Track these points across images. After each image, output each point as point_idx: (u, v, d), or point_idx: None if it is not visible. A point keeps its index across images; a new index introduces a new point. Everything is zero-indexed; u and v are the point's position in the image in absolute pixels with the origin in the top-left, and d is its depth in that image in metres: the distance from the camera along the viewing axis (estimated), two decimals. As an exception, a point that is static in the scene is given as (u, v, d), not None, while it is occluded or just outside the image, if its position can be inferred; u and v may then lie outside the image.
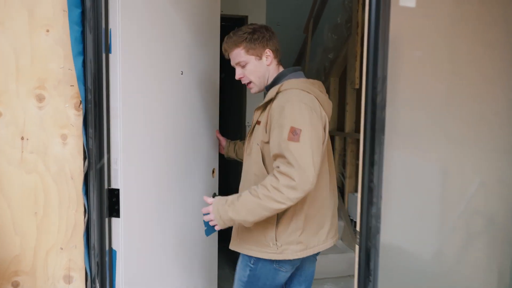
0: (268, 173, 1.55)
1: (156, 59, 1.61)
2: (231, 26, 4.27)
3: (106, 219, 1.36)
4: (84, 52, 1.20)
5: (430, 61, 1.61)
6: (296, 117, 1.47)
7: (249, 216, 1.42)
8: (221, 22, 3.91)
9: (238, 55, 1.62)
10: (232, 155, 1.99)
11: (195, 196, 1.92)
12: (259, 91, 1.69)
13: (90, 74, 1.20)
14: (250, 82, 1.66)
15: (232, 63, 1.65)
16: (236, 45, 1.61)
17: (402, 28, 1.58)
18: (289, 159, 1.42)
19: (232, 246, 1.66)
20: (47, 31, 1.19)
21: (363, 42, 3.13)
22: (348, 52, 3.83)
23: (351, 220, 3.84)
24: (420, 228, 1.77)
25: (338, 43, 3.99)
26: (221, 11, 3.28)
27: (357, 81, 3.49)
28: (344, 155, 4.10)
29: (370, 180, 1.49)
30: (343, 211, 3.87)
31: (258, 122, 1.60)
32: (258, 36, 1.63)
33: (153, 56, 1.59)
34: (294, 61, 6.05)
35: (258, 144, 1.58)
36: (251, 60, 1.62)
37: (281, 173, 1.41)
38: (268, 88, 1.66)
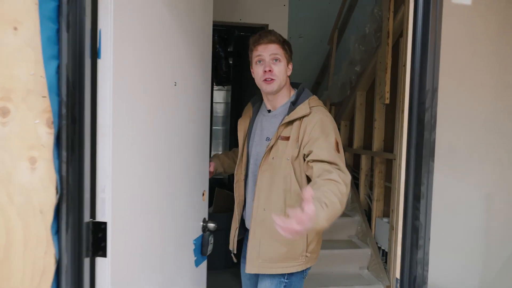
0: (300, 187, 1.61)
1: (148, 68, 1.35)
2: (245, 35, 4.09)
3: (87, 260, 1.10)
4: (59, 56, 0.96)
5: (473, 72, 1.37)
6: (335, 131, 1.62)
7: (331, 221, 1.38)
8: (239, 31, 3.68)
9: (278, 49, 1.67)
10: (220, 170, 1.97)
11: (185, 224, 1.65)
12: (273, 92, 1.70)
13: (66, 83, 0.96)
14: (273, 80, 1.67)
15: (267, 53, 1.66)
16: (280, 40, 1.68)
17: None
18: (340, 166, 1.53)
19: (253, 269, 1.69)
20: (15, 28, 0.96)
21: (399, 52, 2.80)
22: (377, 64, 3.53)
23: (379, 247, 3.49)
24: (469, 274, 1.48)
25: (365, 54, 3.70)
26: (239, 20, 3.07)
27: (387, 95, 3.18)
28: (371, 176, 3.78)
29: (415, 217, 1.19)
30: (370, 238, 3.53)
31: (285, 138, 1.63)
32: (289, 47, 1.73)
33: (146, 64, 1.34)
34: (317, 75, 5.79)
35: (288, 159, 1.62)
36: (284, 61, 1.68)
37: (339, 180, 1.46)
38: (293, 103, 1.68)
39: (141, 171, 1.32)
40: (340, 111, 4.47)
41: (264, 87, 1.69)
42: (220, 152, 2.28)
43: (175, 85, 1.53)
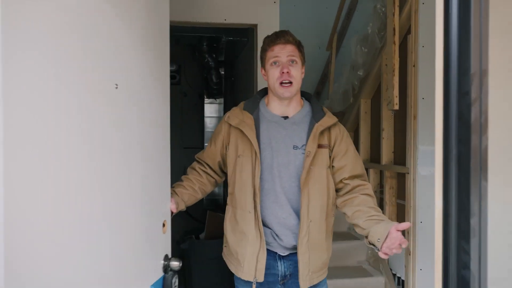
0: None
1: (74, 60, 0.95)
2: (233, 40, 3.72)
3: None
4: None
5: None
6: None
7: None
8: (226, 35, 3.31)
9: (295, 51, 1.62)
10: (182, 207, 1.67)
11: (138, 264, 1.24)
12: (290, 97, 1.63)
13: None
14: (291, 83, 1.60)
15: (284, 54, 1.60)
16: (296, 41, 1.64)
17: None
18: (366, 178, 1.73)
19: (305, 284, 1.67)
20: None
21: (407, 51, 2.38)
22: (382, 66, 3.15)
23: (394, 275, 3.05)
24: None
25: (369, 57, 3.32)
26: (224, 20, 2.71)
27: (396, 100, 2.78)
28: (381, 192, 3.35)
29: (463, 265, 0.77)
30: (383, 264, 3.08)
31: (322, 146, 1.63)
32: (303, 49, 1.71)
33: (68, 55, 0.94)
34: (317, 84, 5.41)
35: (328, 168, 1.68)
36: (300, 63, 1.64)
37: (372, 194, 1.70)
38: (316, 111, 1.68)
39: (53, 193, 0.90)
40: (343, 121, 4.07)
41: (281, 91, 1.61)
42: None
43: (116, 87, 1.13)
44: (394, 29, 2.80)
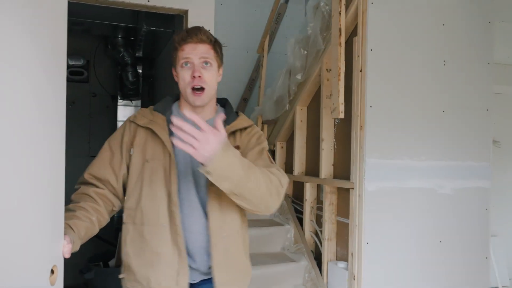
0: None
1: None
2: (155, 31, 3.18)
3: None
4: None
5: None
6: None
7: (243, 176, 1.25)
8: (148, 22, 2.80)
9: (209, 51, 1.44)
10: (78, 244, 1.28)
11: None
12: (202, 105, 1.45)
13: None
14: (203, 89, 1.42)
15: (196, 55, 1.42)
16: (211, 40, 1.46)
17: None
18: (277, 167, 1.51)
19: None
20: None
21: (353, 54, 2.12)
22: (323, 70, 2.88)
23: (334, 300, 2.76)
24: None
25: (309, 60, 3.03)
26: (147, 1, 2.22)
27: (341, 108, 2.51)
28: (319, 208, 3.07)
29: None
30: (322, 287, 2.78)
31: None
32: (221, 48, 1.51)
33: None
34: (244, 90, 5.07)
35: None
36: (215, 65, 1.46)
37: (276, 172, 1.44)
38: (228, 115, 1.53)
39: None
40: (275, 131, 3.75)
41: (192, 99, 1.43)
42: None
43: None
44: (340, 30, 2.53)
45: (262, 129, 4.00)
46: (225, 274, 1.42)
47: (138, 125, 1.46)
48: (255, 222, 3.24)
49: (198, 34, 1.44)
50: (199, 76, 1.41)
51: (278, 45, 5.05)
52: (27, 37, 0.87)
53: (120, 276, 1.45)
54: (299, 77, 3.12)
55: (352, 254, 2.54)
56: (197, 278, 1.44)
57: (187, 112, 1.16)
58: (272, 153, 3.80)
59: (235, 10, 4.99)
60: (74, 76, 4.32)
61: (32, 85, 0.89)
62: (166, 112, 1.49)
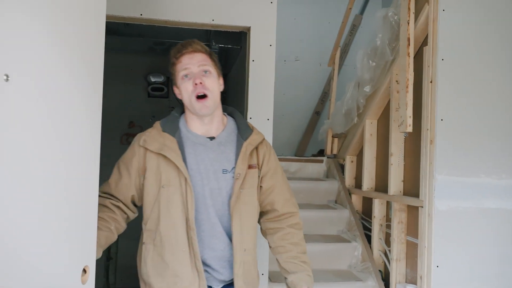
0: None
1: None
2: (225, 49, 3.31)
3: None
4: None
5: None
6: None
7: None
8: (214, 39, 2.93)
9: (206, 60, 1.46)
10: (99, 255, 1.34)
11: None
12: (209, 113, 1.45)
13: None
14: (206, 96, 1.42)
15: (194, 64, 1.44)
16: (206, 50, 1.49)
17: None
18: (294, 201, 1.69)
19: None
20: None
21: (423, 64, 2.03)
22: (393, 82, 2.76)
23: (402, 325, 2.59)
24: None
25: (377, 72, 2.94)
26: (212, 20, 2.32)
27: (410, 121, 2.38)
28: (388, 226, 2.92)
29: None
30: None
31: (252, 166, 1.51)
32: (217, 59, 1.52)
33: None
34: (317, 104, 5.03)
35: (256, 188, 1.56)
36: (214, 73, 1.47)
37: (299, 221, 1.70)
38: (242, 128, 1.54)
39: None
40: (345, 144, 3.66)
41: (197, 107, 1.42)
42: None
43: (7, 79, 0.73)
44: (408, 39, 2.43)
45: (333, 143, 3.94)
46: (242, 283, 1.49)
47: (147, 150, 1.44)
48: (321, 237, 3.18)
49: (192, 44, 1.46)
50: (201, 83, 1.40)
51: (354, 58, 4.95)
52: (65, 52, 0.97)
53: None
54: (367, 89, 3.03)
55: (421, 277, 2.37)
56: (220, 284, 1.52)
57: None
58: (342, 167, 3.72)
59: (308, 23, 5.01)
60: (155, 92, 4.63)
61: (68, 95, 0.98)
62: (176, 132, 1.47)
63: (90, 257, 1.12)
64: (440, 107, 2.30)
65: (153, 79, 4.52)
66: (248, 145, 1.48)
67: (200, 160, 1.46)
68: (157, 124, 1.51)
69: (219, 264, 1.48)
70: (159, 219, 1.43)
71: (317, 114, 4.88)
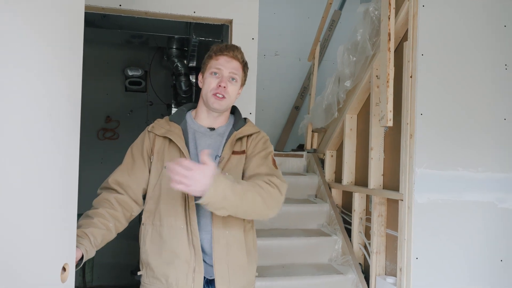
0: None
1: None
2: (205, 42, 3.24)
3: None
4: None
5: None
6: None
7: (238, 197, 1.35)
8: (194, 32, 2.88)
9: (239, 69, 1.58)
10: (92, 255, 1.38)
11: None
12: (220, 110, 1.57)
13: None
14: (224, 97, 1.54)
15: (227, 68, 1.54)
16: (243, 61, 1.59)
17: None
18: (278, 174, 1.57)
19: None
20: None
21: (403, 59, 2.06)
22: (373, 77, 2.79)
23: (382, 317, 2.63)
24: None
25: (358, 66, 2.95)
26: (193, 12, 2.28)
27: (390, 116, 2.41)
28: (368, 220, 2.96)
29: None
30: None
31: (238, 152, 1.59)
32: (247, 71, 1.64)
33: None
34: (296, 98, 5.05)
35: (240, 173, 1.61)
36: (239, 83, 1.59)
37: (273, 181, 1.53)
38: (237, 120, 1.65)
39: None
40: (325, 139, 3.69)
41: (211, 101, 1.54)
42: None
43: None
44: (389, 34, 2.45)
45: (313, 138, 3.96)
46: (220, 266, 1.50)
47: (156, 134, 1.57)
48: (301, 232, 3.19)
49: (234, 50, 1.57)
50: (224, 87, 1.52)
51: (333, 52, 4.98)
52: (43, 41, 0.92)
53: (139, 273, 1.56)
54: (348, 84, 3.05)
55: (400, 269, 2.41)
56: (212, 274, 1.52)
57: (170, 164, 1.23)
58: (322, 161, 3.74)
59: (288, 18, 5.00)
60: (133, 86, 4.55)
61: (46, 89, 0.94)
62: (181, 122, 1.60)
63: (70, 254, 1.08)
64: (420, 102, 2.34)
65: (130, 73, 4.43)
66: (237, 133, 1.58)
67: (198, 145, 1.57)
68: (165, 117, 1.65)
69: (211, 248, 1.51)
70: (159, 198, 1.50)
71: (297, 109, 4.90)
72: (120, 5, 2.17)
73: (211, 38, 2.91)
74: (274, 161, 1.59)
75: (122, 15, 2.27)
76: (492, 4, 2.42)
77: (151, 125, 1.62)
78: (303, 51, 4.85)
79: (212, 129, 1.61)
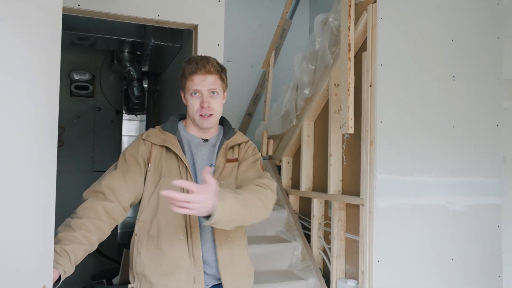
0: None
1: None
2: (162, 46, 3.15)
3: None
4: None
5: None
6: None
7: (244, 208, 1.35)
8: (153, 37, 2.80)
9: (216, 82, 1.55)
10: (71, 272, 1.30)
11: None
12: (210, 127, 1.60)
13: None
14: (211, 115, 1.56)
15: (204, 87, 1.52)
16: (218, 70, 1.55)
17: None
18: (267, 175, 1.61)
19: None
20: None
21: (362, 69, 2.13)
22: (331, 85, 2.86)
23: (343, 320, 2.68)
24: None
25: (317, 75, 3.02)
26: (157, 16, 2.20)
27: (351, 123, 2.48)
28: (326, 225, 3.02)
29: None
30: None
31: (231, 160, 1.62)
32: (226, 75, 1.62)
33: None
34: (250, 103, 5.06)
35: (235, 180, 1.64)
36: (221, 93, 1.58)
37: (267, 183, 1.55)
38: (226, 130, 1.67)
39: None
40: (281, 146, 3.72)
41: (200, 122, 1.56)
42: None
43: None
44: (349, 45, 2.53)
45: (268, 144, 3.98)
46: (231, 273, 1.52)
47: (152, 143, 1.55)
48: (261, 239, 3.18)
49: (206, 66, 1.53)
50: (208, 106, 1.52)
51: (282, 60, 5.06)
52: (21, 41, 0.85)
53: (130, 286, 1.50)
54: (307, 92, 3.10)
55: (362, 272, 2.48)
56: (210, 283, 1.53)
57: (166, 192, 1.16)
58: (278, 168, 3.77)
59: (239, 25, 5.01)
60: (79, 90, 4.31)
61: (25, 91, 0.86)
62: (176, 132, 1.61)
63: (47, 276, 1.00)
64: (379, 110, 2.43)
65: (76, 77, 4.19)
66: (229, 142, 1.62)
67: (194, 155, 1.58)
68: (158, 127, 1.63)
69: (210, 257, 1.52)
70: (157, 209, 1.48)
71: (249, 115, 4.90)
72: (78, 5, 2.04)
73: (170, 43, 2.83)
74: (262, 165, 1.64)
75: (76, 15, 2.14)
76: (438, 18, 2.59)
77: (145, 134, 1.60)
78: (256, 58, 4.88)
79: (205, 140, 1.64)
